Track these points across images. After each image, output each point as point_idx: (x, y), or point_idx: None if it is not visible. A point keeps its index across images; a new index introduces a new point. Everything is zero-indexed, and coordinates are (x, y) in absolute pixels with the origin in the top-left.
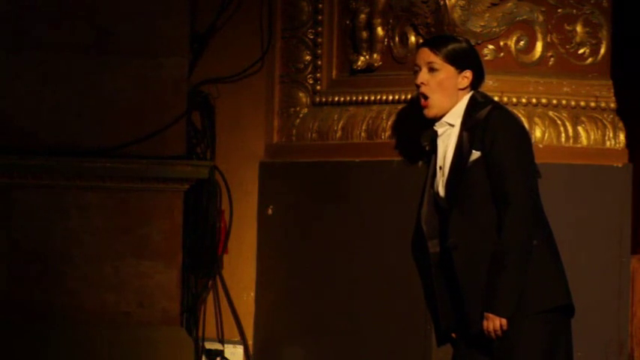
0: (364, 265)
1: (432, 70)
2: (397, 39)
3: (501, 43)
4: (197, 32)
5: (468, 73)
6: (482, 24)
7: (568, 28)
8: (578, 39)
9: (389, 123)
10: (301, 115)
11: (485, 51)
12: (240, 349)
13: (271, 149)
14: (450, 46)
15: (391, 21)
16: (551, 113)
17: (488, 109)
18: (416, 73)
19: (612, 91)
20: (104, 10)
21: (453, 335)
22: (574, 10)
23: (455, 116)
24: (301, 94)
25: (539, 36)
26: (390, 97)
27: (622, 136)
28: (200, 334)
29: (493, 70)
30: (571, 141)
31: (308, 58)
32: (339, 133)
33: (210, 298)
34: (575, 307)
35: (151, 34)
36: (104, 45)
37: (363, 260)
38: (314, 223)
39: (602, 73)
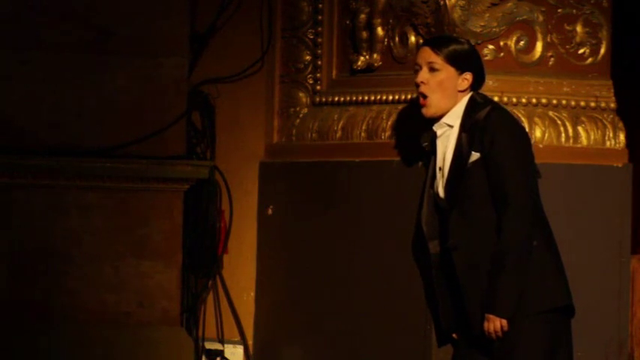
0: (364, 265)
1: (432, 69)
2: (397, 39)
3: (501, 43)
4: (197, 32)
5: (469, 75)
6: (482, 24)
7: (568, 28)
8: (578, 39)
9: (389, 123)
10: (301, 115)
11: (485, 51)
12: (240, 349)
13: (271, 149)
14: (452, 47)
15: (391, 21)
16: (551, 113)
17: (487, 110)
18: (416, 72)
19: (612, 91)
20: (104, 10)
21: (454, 335)
22: (574, 10)
23: (454, 117)
24: (301, 94)
25: (539, 36)
26: (390, 97)
27: (622, 136)
28: (200, 334)
29: (493, 70)
30: (571, 141)
31: (308, 58)
32: (339, 133)
33: (210, 298)
34: (575, 307)
35: (151, 34)
36: (104, 45)
37: (363, 260)
38: (314, 223)
39: (602, 73)
